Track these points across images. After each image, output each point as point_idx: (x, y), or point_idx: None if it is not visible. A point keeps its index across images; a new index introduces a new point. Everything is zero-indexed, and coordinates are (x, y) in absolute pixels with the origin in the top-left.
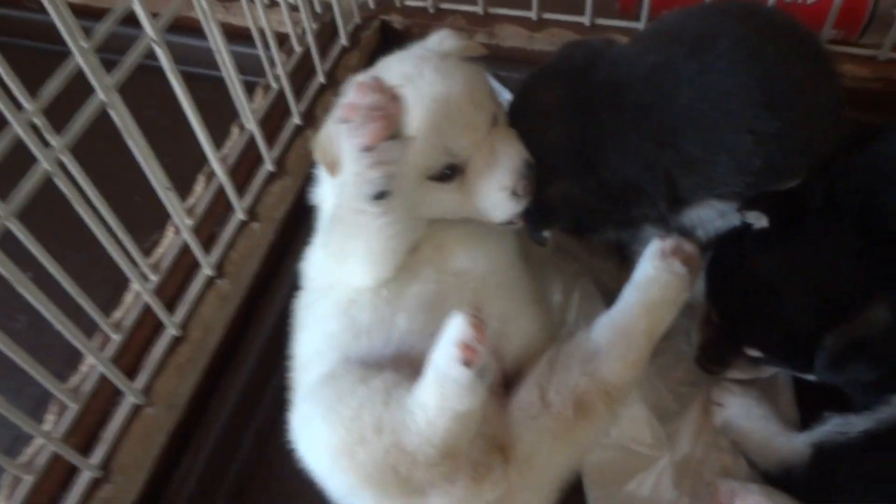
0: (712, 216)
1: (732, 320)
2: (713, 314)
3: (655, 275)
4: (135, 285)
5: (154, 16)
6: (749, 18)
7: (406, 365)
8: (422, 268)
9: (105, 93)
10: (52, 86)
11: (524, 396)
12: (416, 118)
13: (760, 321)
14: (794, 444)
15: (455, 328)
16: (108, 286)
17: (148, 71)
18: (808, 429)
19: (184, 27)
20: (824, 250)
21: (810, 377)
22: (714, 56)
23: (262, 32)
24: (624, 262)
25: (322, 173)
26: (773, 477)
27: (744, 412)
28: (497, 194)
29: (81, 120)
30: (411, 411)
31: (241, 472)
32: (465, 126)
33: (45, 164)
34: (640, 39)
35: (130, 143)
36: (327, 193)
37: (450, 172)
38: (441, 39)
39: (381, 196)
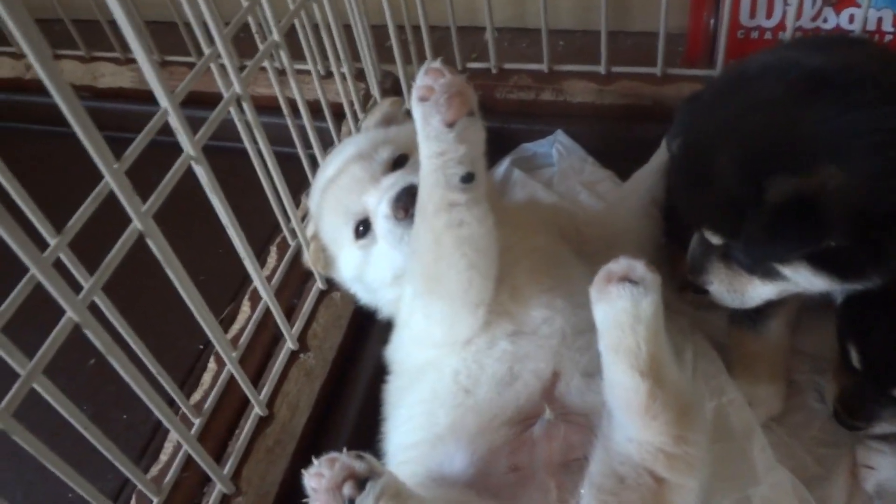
0: None
1: (880, 361)
2: (854, 359)
3: (602, 315)
4: (212, 363)
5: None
6: None
7: (470, 466)
8: (497, 331)
9: (194, 150)
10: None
11: (596, 469)
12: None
13: None
14: None
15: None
16: (177, 373)
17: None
18: None
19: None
20: None
21: None
22: None
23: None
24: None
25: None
26: None
27: None
28: (382, 224)
29: (167, 184)
30: None
31: None
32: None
33: (139, 226)
34: None
35: (216, 200)
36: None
37: (363, 229)
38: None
39: (469, 178)
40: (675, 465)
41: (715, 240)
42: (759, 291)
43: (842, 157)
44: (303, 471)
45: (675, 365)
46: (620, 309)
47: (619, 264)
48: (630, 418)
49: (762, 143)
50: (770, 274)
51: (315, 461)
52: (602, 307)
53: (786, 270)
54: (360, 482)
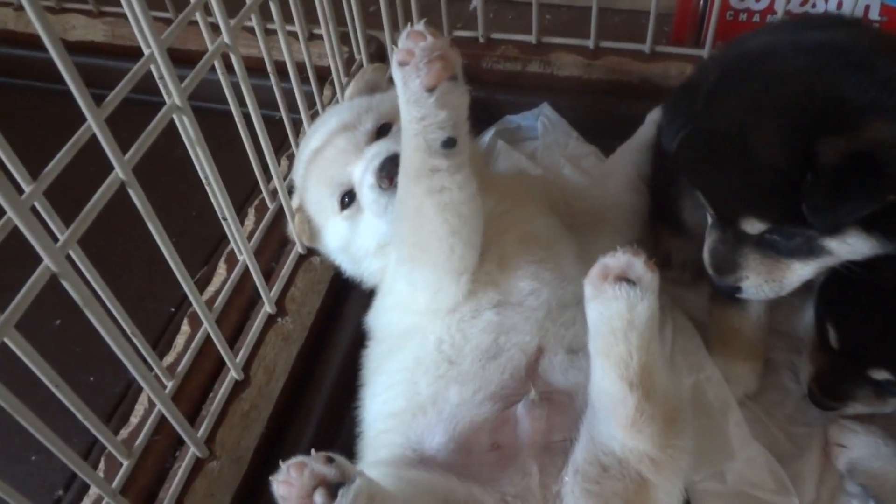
0: None
1: (858, 341)
2: (832, 338)
3: (596, 315)
4: (185, 326)
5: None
6: None
7: (451, 441)
8: (483, 300)
9: (181, 98)
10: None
11: (580, 455)
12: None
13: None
14: None
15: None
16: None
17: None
18: None
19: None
20: None
21: None
22: None
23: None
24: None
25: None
26: None
27: (871, 453)
28: (367, 194)
29: (150, 134)
30: None
31: None
32: (333, 162)
33: (121, 175)
34: None
35: (200, 154)
36: (373, 264)
37: (348, 200)
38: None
39: (451, 143)
40: (660, 469)
41: (755, 228)
42: (798, 274)
43: (886, 111)
44: (270, 478)
45: (666, 369)
46: (615, 311)
47: (618, 260)
48: (615, 427)
49: (802, 112)
50: (813, 252)
51: (283, 466)
52: (595, 307)
53: (832, 243)
54: (332, 488)
